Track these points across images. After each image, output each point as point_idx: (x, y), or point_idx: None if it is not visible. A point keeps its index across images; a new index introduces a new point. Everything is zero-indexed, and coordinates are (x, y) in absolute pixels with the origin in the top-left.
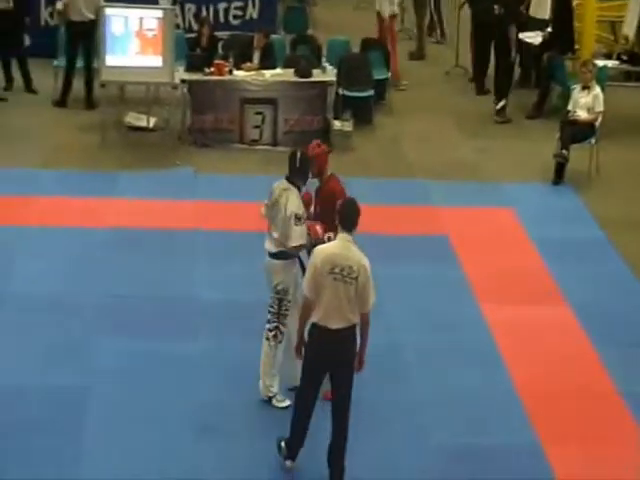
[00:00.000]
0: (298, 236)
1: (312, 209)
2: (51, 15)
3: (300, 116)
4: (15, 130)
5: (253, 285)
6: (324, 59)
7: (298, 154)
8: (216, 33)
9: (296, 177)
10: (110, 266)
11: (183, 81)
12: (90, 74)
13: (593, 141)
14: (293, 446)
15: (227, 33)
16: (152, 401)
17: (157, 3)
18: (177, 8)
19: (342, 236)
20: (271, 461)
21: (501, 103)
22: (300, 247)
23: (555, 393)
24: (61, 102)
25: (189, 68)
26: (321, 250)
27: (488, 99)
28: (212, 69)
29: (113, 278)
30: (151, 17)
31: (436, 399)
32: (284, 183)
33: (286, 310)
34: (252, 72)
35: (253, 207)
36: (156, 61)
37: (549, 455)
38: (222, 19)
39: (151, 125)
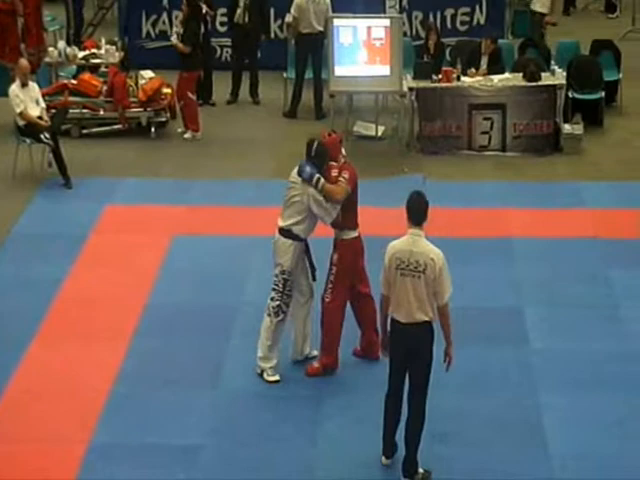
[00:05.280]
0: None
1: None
2: (280, 28)
3: (529, 121)
4: (246, 141)
5: (487, 291)
6: (553, 62)
7: (314, 144)
8: (443, 40)
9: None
10: None
11: (411, 89)
12: (319, 85)
13: None
14: (386, 441)
15: (454, 39)
16: None
17: (384, 12)
18: (404, 16)
19: (410, 231)
20: None
21: None
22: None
23: None
24: (291, 113)
25: (417, 76)
26: (390, 248)
27: None
28: (440, 76)
29: None
30: (379, 26)
31: None
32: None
33: (289, 291)
34: (480, 78)
35: (482, 213)
36: (384, 70)
37: None
38: (449, 25)
39: (379, 134)
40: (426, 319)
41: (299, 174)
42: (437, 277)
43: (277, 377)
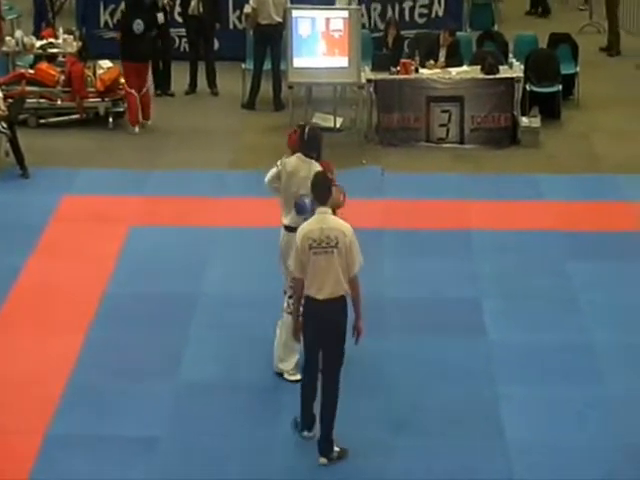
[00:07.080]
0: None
1: None
2: (239, 19)
3: (487, 113)
4: (205, 132)
5: (445, 283)
6: (511, 55)
7: (306, 129)
8: (402, 32)
9: (308, 150)
10: None
11: (369, 81)
12: (278, 76)
13: None
14: (305, 415)
15: (413, 32)
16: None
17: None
18: (363, 8)
19: (317, 210)
20: None
21: None
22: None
23: None
24: (249, 104)
25: (375, 68)
26: (300, 230)
27: None
28: (398, 68)
29: None
30: (337, 17)
31: (633, 399)
32: (301, 157)
33: None
34: (438, 70)
35: (441, 205)
36: (342, 62)
37: None
38: (407, 18)
39: (338, 125)
40: (341, 293)
41: (298, 212)
42: (348, 250)
43: (298, 376)
